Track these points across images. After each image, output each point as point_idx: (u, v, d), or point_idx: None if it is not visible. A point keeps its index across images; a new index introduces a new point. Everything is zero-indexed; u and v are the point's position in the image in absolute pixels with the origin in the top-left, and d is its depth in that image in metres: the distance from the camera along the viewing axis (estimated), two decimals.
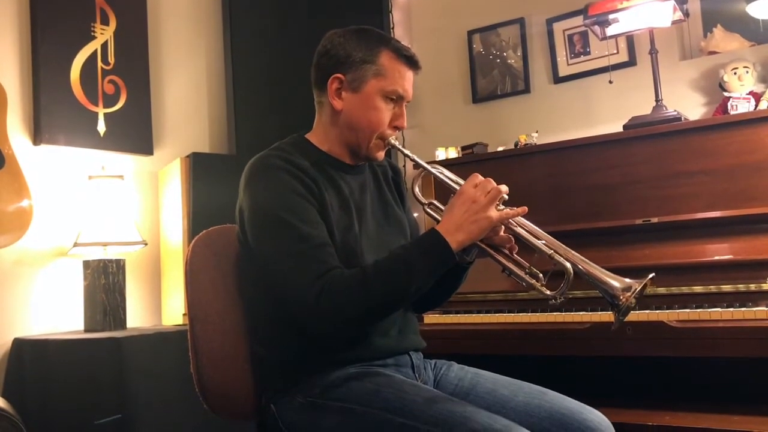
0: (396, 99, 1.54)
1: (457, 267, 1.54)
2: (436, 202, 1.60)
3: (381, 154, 1.60)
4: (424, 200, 1.60)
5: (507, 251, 1.50)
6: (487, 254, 1.51)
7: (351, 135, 1.55)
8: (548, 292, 1.45)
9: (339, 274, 1.38)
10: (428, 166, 1.58)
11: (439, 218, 1.49)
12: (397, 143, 1.57)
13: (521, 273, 1.48)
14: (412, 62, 1.55)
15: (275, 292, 1.44)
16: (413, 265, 1.38)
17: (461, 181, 1.51)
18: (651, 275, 1.42)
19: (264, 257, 1.45)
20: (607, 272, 1.42)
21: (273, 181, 1.45)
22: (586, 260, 1.44)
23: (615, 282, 1.41)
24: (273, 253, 1.42)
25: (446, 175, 1.57)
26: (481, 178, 1.46)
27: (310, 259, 1.38)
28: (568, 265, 1.41)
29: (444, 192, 1.57)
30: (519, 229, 1.48)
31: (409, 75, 1.55)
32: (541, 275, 1.47)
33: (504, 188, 1.44)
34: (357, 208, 1.56)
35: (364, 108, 1.52)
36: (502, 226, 1.48)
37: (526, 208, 1.46)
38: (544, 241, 1.46)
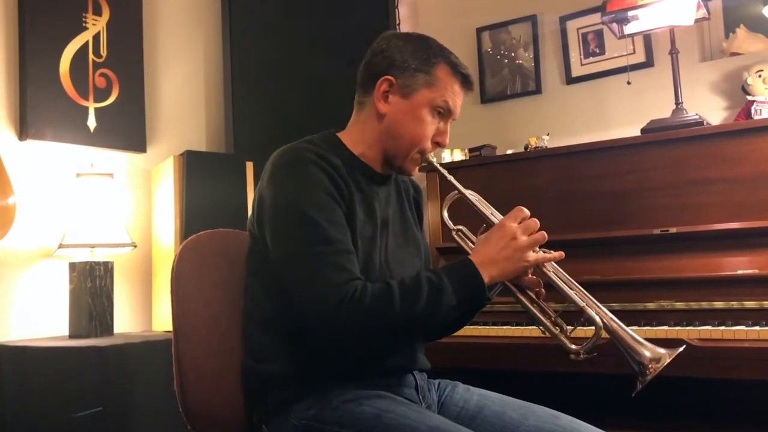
0: (443, 114, 1.49)
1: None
2: (464, 229, 1.55)
3: (415, 170, 1.55)
4: (452, 226, 1.55)
5: (533, 294, 1.44)
6: (511, 293, 1.45)
7: (390, 142, 1.49)
8: (573, 347, 1.37)
9: (363, 286, 1.31)
10: (465, 192, 1.52)
11: (467, 247, 1.48)
12: (435, 162, 1.52)
13: (546, 321, 1.42)
14: (466, 81, 1.51)
15: (287, 294, 1.35)
16: (443, 292, 1.32)
17: (497, 213, 1.48)
18: (682, 347, 1.34)
19: (282, 255, 1.37)
20: (638, 337, 1.34)
21: (303, 175, 1.38)
22: (616, 319, 1.37)
23: (645, 351, 1.33)
24: (293, 251, 1.35)
25: (482, 204, 1.52)
26: (526, 212, 1.41)
27: (333, 264, 1.31)
28: (599, 320, 1.34)
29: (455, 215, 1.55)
30: (552, 275, 1.41)
31: (460, 93, 1.51)
32: (566, 326, 1.41)
33: (545, 235, 1.39)
34: (381, 221, 1.49)
35: (411, 117, 1.47)
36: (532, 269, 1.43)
37: (563, 254, 1.41)
38: (575, 292, 1.39)
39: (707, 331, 1.93)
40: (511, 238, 1.36)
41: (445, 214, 1.56)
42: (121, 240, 2.66)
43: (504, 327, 2.24)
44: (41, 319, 2.65)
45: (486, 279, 1.34)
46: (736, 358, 1.86)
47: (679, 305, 2.06)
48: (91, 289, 2.54)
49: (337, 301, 1.27)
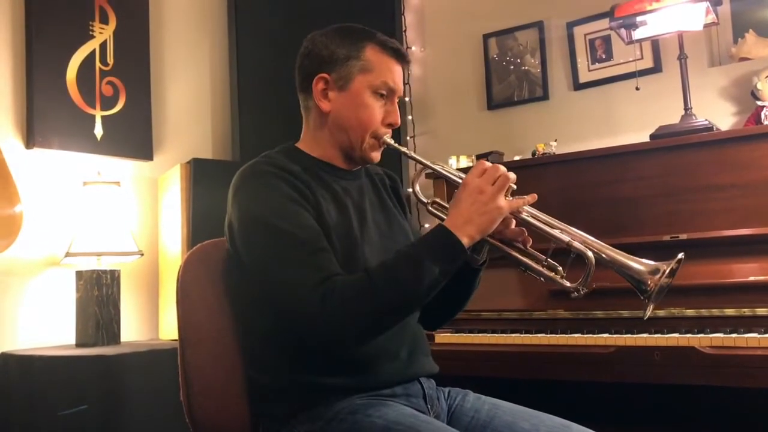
0: (386, 95, 1.48)
1: (470, 270, 1.47)
2: (439, 200, 1.53)
3: (376, 155, 1.51)
4: (425, 199, 1.53)
5: (521, 245, 1.43)
6: (499, 251, 1.43)
7: (342, 136, 1.48)
8: (569, 284, 1.38)
9: (341, 278, 1.29)
10: (428, 162, 1.49)
11: (445, 216, 1.43)
12: (392, 141, 1.49)
13: (538, 267, 1.41)
14: (398, 55, 1.50)
15: (274, 307, 1.35)
16: (421, 264, 1.29)
17: (464, 175, 1.44)
18: (680, 255, 1.33)
19: (258, 269, 1.36)
20: (631, 256, 1.34)
21: (263, 187, 1.37)
22: (606, 246, 1.36)
23: (639, 266, 1.33)
24: (268, 263, 1.33)
25: (448, 170, 1.49)
26: (487, 165, 1.38)
27: (309, 266, 1.29)
28: (590, 252, 1.33)
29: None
30: (531, 219, 1.40)
31: (397, 69, 1.50)
32: (560, 267, 1.40)
33: (512, 176, 1.36)
34: (357, 214, 1.47)
35: (354, 106, 1.46)
36: (513, 220, 1.41)
37: (535, 195, 1.39)
38: (559, 230, 1.38)
39: (719, 338, 1.87)
40: (479, 193, 1.33)
41: (417, 188, 1.53)
42: (127, 248, 2.65)
43: (513, 335, 2.20)
44: (48, 328, 2.65)
45: (465, 240, 1.31)
46: (748, 366, 1.81)
47: (690, 312, 2.01)
48: (98, 297, 2.54)
49: (318, 301, 1.25)
